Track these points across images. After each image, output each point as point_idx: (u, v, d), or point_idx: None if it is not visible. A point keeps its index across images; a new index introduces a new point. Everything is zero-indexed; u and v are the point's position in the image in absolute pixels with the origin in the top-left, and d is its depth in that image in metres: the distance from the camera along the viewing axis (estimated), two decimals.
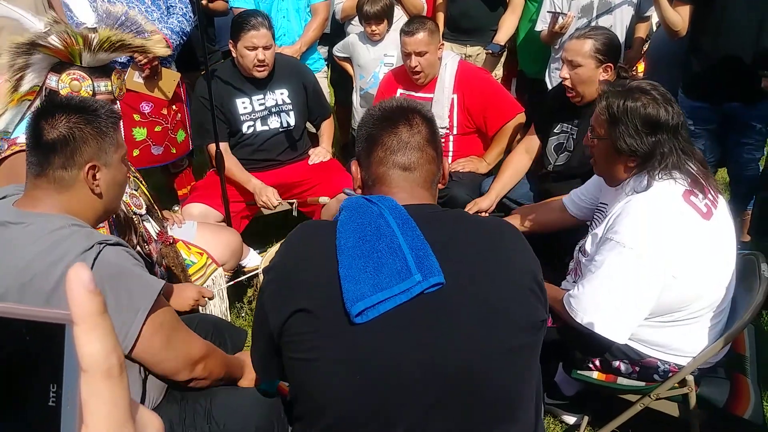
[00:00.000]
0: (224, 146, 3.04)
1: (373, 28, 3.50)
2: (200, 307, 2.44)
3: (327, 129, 3.47)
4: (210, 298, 2.10)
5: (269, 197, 2.96)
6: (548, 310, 1.25)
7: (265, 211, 3.18)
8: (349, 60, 3.80)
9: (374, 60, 3.61)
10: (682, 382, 1.86)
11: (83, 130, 1.42)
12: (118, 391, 0.37)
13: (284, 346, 1.18)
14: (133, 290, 1.37)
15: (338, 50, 3.83)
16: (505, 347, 1.13)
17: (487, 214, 2.76)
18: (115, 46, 2.02)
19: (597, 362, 1.93)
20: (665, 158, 1.73)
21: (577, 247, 2.08)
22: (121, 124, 1.61)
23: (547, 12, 3.34)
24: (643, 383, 1.92)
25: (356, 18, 3.66)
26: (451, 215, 1.27)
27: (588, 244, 1.87)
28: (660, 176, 1.74)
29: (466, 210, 2.73)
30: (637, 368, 1.88)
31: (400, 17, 3.74)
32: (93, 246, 1.34)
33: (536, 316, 1.19)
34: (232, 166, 3.05)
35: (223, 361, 1.62)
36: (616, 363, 1.90)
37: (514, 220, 2.44)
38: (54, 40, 1.93)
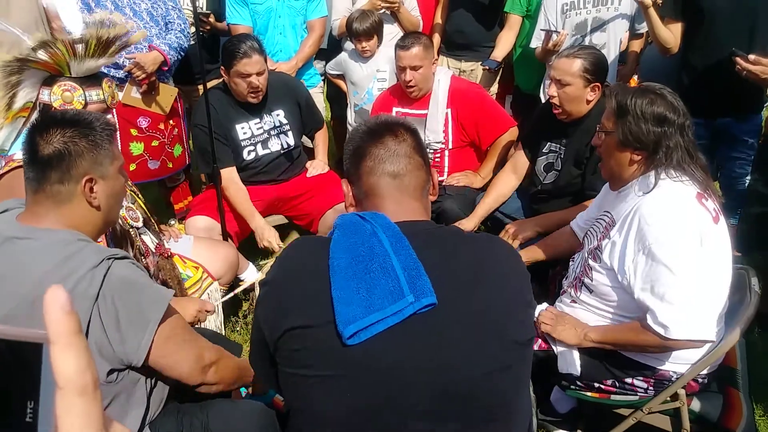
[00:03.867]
0: (232, 171, 3.05)
1: (363, 44, 3.54)
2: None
3: (322, 140, 3.49)
4: (210, 312, 2.11)
5: (271, 242, 2.95)
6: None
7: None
8: (342, 77, 3.83)
9: (367, 76, 3.64)
10: (674, 396, 1.87)
11: (78, 144, 1.43)
12: (92, 407, 0.38)
13: (279, 360, 1.19)
14: (143, 303, 1.39)
15: (331, 68, 3.87)
16: (499, 364, 1.13)
17: None
18: (100, 49, 2.03)
19: (609, 382, 1.93)
20: (670, 153, 1.74)
21: (577, 260, 2.08)
22: (118, 135, 1.63)
23: (541, 30, 3.38)
24: (636, 397, 1.92)
25: None
26: (444, 232, 1.27)
27: (606, 253, 1.83)
28: (666, 175, 1.75)
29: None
30: (652, 381, 1.88)
31: (396, 33, 3.78)
32: (102, 261, 1.36)
33: (527, 333, 1.20)
34: (239, 196, 3.06)
35: (234, 364, 1.64)
36: (630, 380, 1.90)
37: (529, 253, 2.41)
38: (42, 55, 1.96)
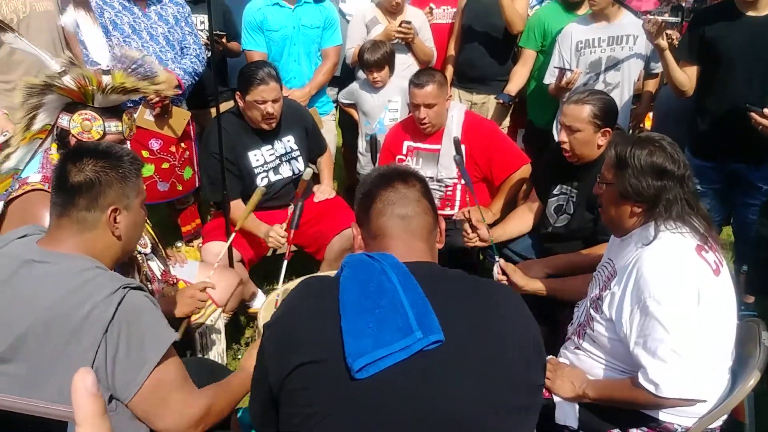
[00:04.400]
0: (239, 203, 3.04)
1: (375, 75, 3.56)
2: (198, 348, 2.44)
3: (327, 165, 3.50)
4: (213, 287, 2.14)
5: (276, 235, 2.92)
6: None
7: (278, 251, 3.21)
8: (354, 106, 3.85)
9: (378, 106, 3.66)
10: None
11: (109, 174, 1.50)
12: None
13: (283, 400, 1.18)
14: (146, 340, 1.39)
15: (343, 97, 3.89)
16: (503, 407, 1.14)
17: (482, 243, 2.74)
18: (128, 90, 2.06)
19: None
20: (670, 206, 1.75)
21: (581, 307, 2.06)
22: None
23: (555, 67, 3.39)
24: None
25: None
26: (451, 275, 1.28)
27: (606, 304, 1.83)
28: (666, 227, 1.75)
29: (457, 219, 2.75)
30: None
31: (409, 64, 3.80)
32: (118, 290, 1.38)
33: (534, 379, 1.21)
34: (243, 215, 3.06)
35: (228, 403, 1.62)
36: (634, 431, 1.87)
37: (536, 285, 2.39)
38: (68, 81, 1.97)
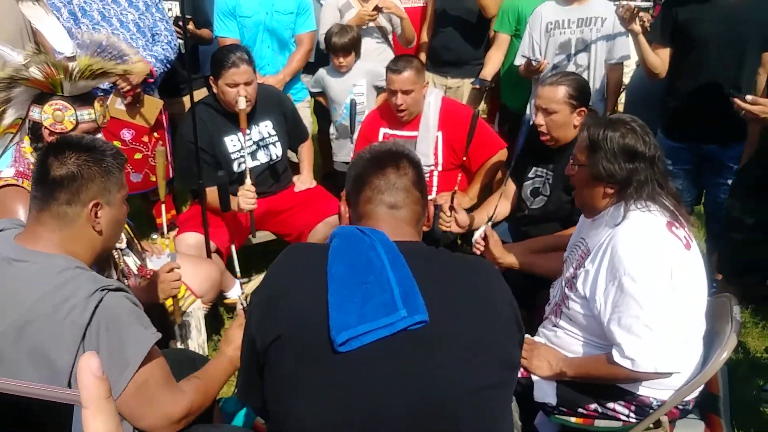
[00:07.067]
0: (214, 191, 3.00)
1: (341, 60, 3.55)
2: (178, 339, 2.43)
3: (307, 154, 3.48)
4: (178, 267, 2.10)
5: (245, 197, 2.88)
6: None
7: (254, 240, 3.19)
8: (322, 94, 3.83)
9: (343, 91, 3.65)
10: (657, 423, 1.88)
11: (91, 168, 1.48)
12: None
13: (267, 369, 1.19)
14: (127, 342, 1.37)
15: (312, 86, 3.88)
16: (484, 383, 1.16)
17: (459, 229, 2.74)
18: (96, 74, 2.03)
19: (593, 407, 1.94)
20: (641, 187, 1.79)
21: (556, 287, 2.10)
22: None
23: (522, 56, 3.41)
24: (620, 424, 1.93)
25: None
26: (436, 253, 1.30)
27: (580, 282, 1.87)
28: (636, 206, 1.79)
29: (437, 203, 2.76)
30: (633, 407, 1.90)
31: (383, 50, 3.78)
32: (96, 291, 1.35)
33: (514, 356, 1.24)
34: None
35: (211, 395, 1.62)
36: (612, 404, 1.92)
37: (510, 259, 2.41)
38: (34, 72, 1.93)
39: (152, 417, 1.43)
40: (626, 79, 3.81)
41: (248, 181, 2.93)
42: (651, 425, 1.88)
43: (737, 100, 2.27)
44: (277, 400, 1.18)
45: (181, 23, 3.06)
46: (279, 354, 1.16)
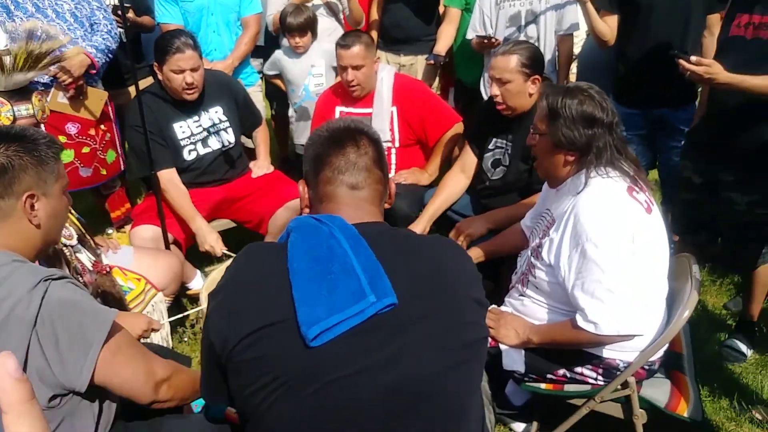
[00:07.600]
0: (172, 173, 2.95)
1: (297, 40, 3.49)
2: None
3: (263, 139, 3.42)
4: (157, 330, 2.03)
5: (213, 247, 2.87)
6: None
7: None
8: (279, 77, 3.76)
9: (302, 72, 3.59)
10: (625, 384, 1.91)
11: (23, 159, 1.40)
12: None
13: (232, 371, 1.14)
14: (85, 324, 1.31)
15: (267, 68, 3.80)
16: (455, 361, 1.15)
17: None
18: (30, 62, 1.94)
19: (561, 372, 1.97)
20: (601, 153, 1.82)
21: (524, 257, 2.11)
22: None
23: (473, 31, 3.39)
24: (589, 387, 1.96)
25: None
26: (399, 234, 1.28)
27: (545, 251, 1.90)
28: (597, 173, 1.81)
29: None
30: (601, 370, 1.93)
31: (334, 29, 3.72)
32: (39, 282, 1.29)
33: (481, 331, 1.22)
34: (179, 198, 2.95)
35: (189, 378, 1.57)
36: (579, 369, 1.95)
37: (478, 252, 2.42)
38: None
39: (135, 381, 1.39)
40: (577, 50, 3.83)
41: (214, 239, 2.90)
42: (619, 386, 1.92)
43: (682, 61, 2.30)
44: (247, 403, 1.14)
45: (120, 12, 2.95)
46: (246, 356, 1.11)
